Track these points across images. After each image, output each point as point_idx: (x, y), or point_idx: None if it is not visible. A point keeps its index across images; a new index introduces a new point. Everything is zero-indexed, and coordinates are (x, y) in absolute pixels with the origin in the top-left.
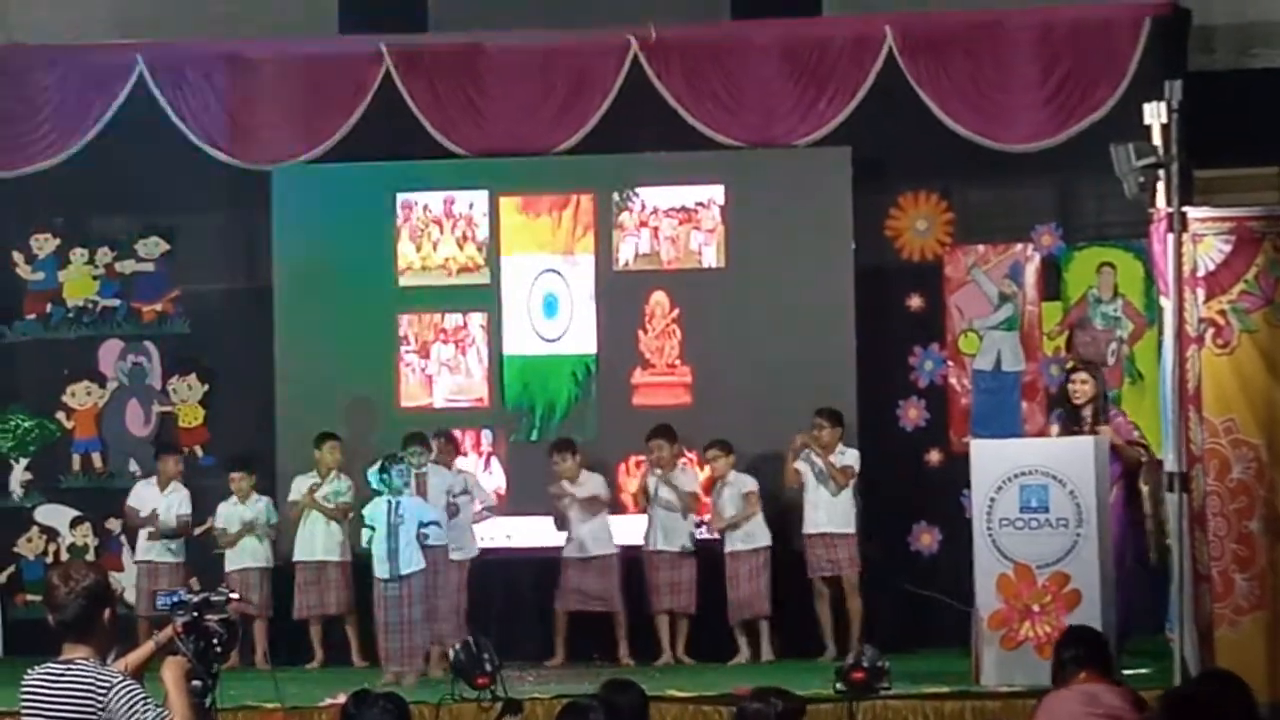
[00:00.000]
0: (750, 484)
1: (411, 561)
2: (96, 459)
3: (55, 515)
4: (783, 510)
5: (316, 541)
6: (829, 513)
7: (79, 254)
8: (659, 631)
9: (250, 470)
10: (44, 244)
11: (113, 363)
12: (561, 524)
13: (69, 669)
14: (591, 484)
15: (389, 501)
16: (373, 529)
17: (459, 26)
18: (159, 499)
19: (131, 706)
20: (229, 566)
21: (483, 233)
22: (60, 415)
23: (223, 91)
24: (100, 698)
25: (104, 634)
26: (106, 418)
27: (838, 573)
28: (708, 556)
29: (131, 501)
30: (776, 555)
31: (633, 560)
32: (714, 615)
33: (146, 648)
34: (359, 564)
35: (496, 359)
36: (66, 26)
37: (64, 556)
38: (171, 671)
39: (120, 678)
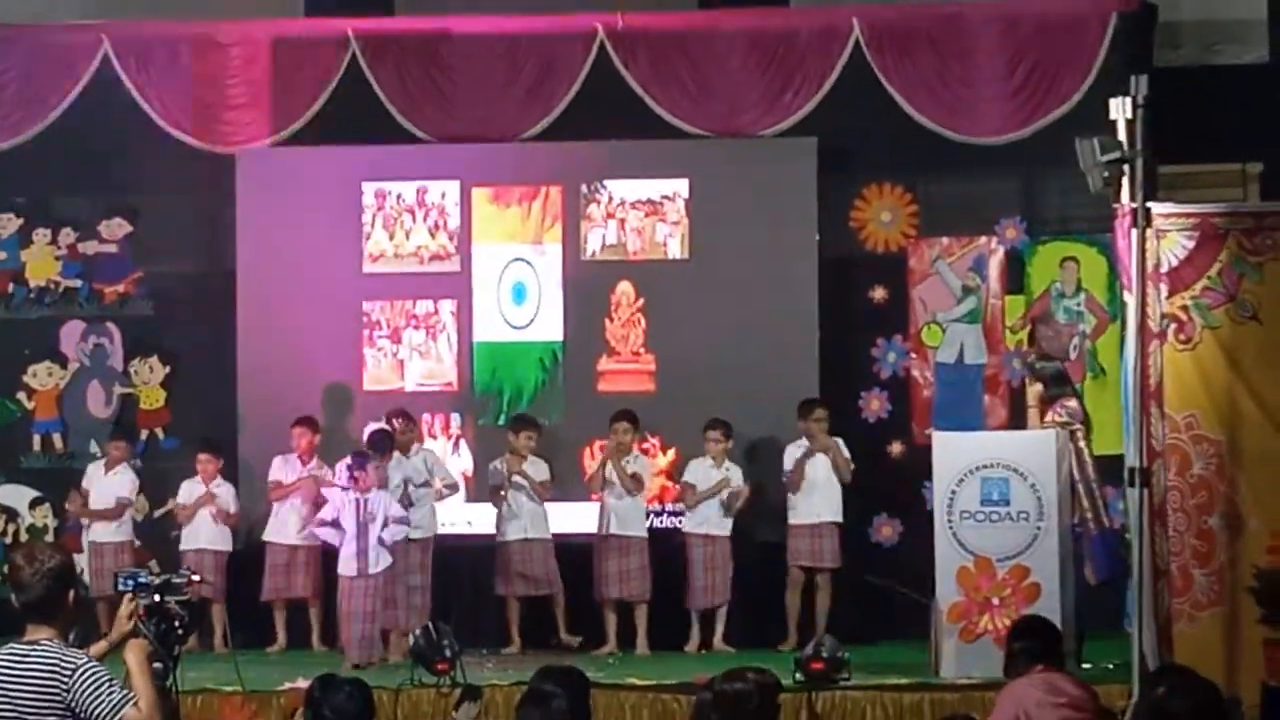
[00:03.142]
0: (738, 483)
1: (379, 561)
2: (57, 440)
3: (15, 496)
4: (749, 498)
5: (291, 525)
6: (826, 501)
7: (41, 234)
8: (606, 621)
9: (217, 454)
10: (6, 224)
11: (74, 344)
12: (498, 502)
13: (33, 650)
14: (543, 469)
15: (357, 499)
16: (333, 525)
17: (425, 11)
18: (104, 482)
19: (96, 688)
20: (184, 546)
21: (454, 222)
22: (21, 395)
23: (188, 73)
24: (65, 679)
25: (68, 615)
26: (67, 399)
27: (824, 564)
28: (662, 544)
29: (84, 483)
30: (741, 544)
31: (579, 547)
32: (664, 602)
33: (122, 629)
34: (328, 549)
35: (466, 345)
36: (32, 5)
37: (23, 537)
38: (135, 654)
39: (85, 659)
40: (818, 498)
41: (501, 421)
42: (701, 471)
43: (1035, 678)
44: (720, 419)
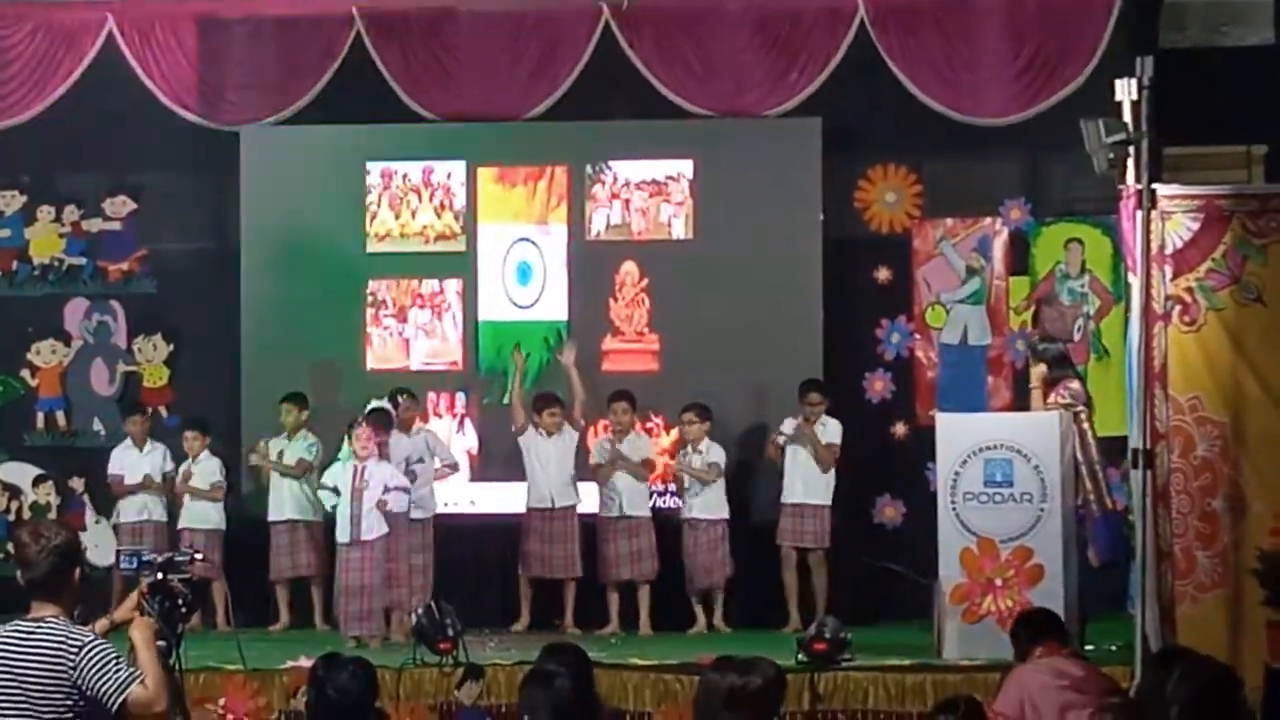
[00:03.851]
0: (719, 455)
1: (373, 527)
2: (60, 417)
3: (18, 473)
4: (750, 478)
5: (285, 502)
6: (806, 484)
7: (46, 211)
8: (609, 601)
9: (204, 431)
10: (10, 201)
11: (78, 321)
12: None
13: (39, 627)
14: (571, 435)
15: (355, 466)
16: (334, 491)
17: None
18: (142, 460)
19: (104, 665)
20: (179, 525)
21: (460, 202)
22: (24, 373)
23: (192, 51)
24: (71, 656)
25: (73, 592)
26: (71, 376)
27: (806, 544)
28: (665, 525)
29: (114, 469)
30: (743, 524)
31: (583, 528)
32: (668, 584)
33: (128, 605)
34: (330, 525)
35: (471, 324)
36: None
37: (26, 515)
38: (141, 631)
39: (91, 636)
40: (799, 480)
41: (506, 400)
42: (685, 457)
43: (1040, 662)
44: (696, 402)
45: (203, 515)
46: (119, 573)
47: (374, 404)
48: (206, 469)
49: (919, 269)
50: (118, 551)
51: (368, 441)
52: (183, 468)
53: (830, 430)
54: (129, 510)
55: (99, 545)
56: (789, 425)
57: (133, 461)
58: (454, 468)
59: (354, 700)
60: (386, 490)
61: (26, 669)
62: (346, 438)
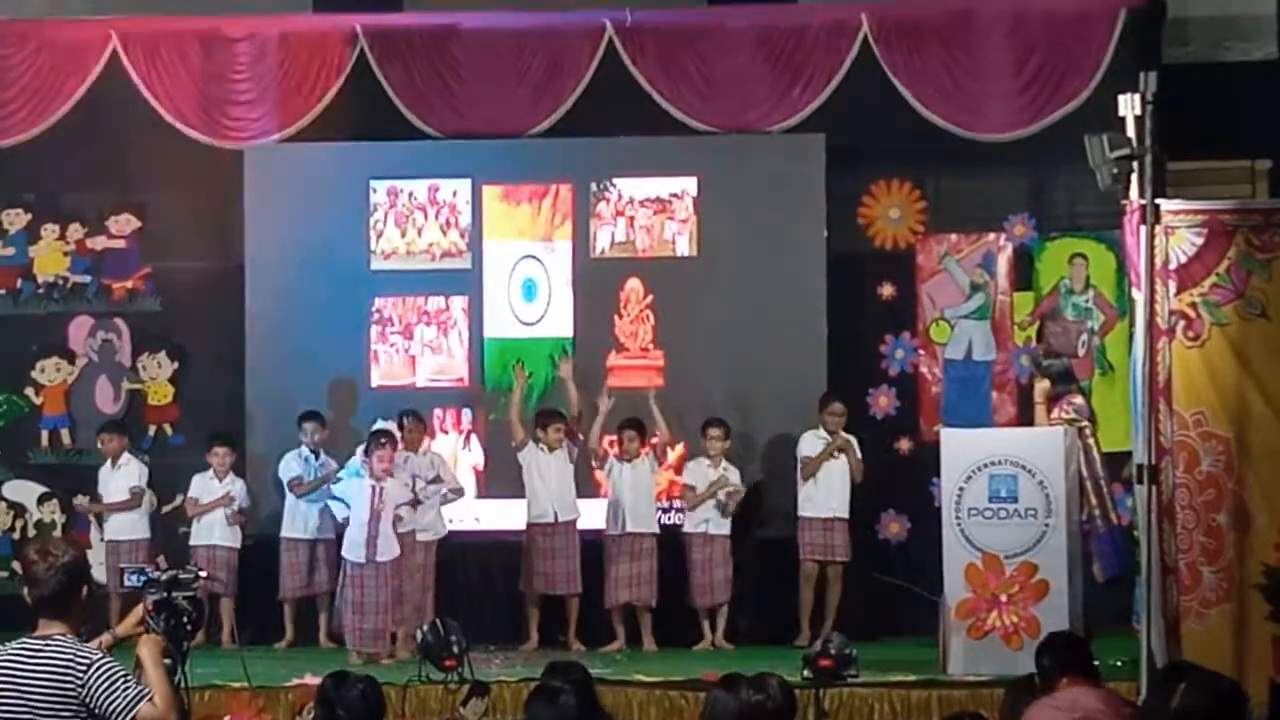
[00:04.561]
0: (735, 483)
1: (389, 549)
2: (65, 435)
3: (22, 491)
4: (754, 494)
5: (311, 519)
6: (837, 498)
7: (50, 230)
8: (614, 617)
9: (233, 446)
10: (15, 219)
11: (83, 339)
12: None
13: (47, 645)
14: (572, 450)
15: (372, 486)
16: (344, 503)
17: (433, 7)
18: (114, 477)
19: (112, 684)
20: (195, 541)
21: (465, 219)
22: (29, 391)
23: (196, 69)
24: (80, 675)
25: (80, 610)
26: (75, 394)
27: (836, 558)
28: (670, 541)
29: (99, 487)
30: (748, 539)
31: (589, 545)
32: (671, 599)
33: (132, 621)
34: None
35: (477, 341)
36: (41, 1)
37: (31, 533)
38: (149, 649)
39: (99, 655)
40: (832, 493)
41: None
42: (699, 471)
43: (1058, 695)
44: (719, 418)
45: (224, 533)
46: (119, 590)
47: (380, 425)
48: (235, 492)
49: (923, 285)
50: (121, 569)
51: (387, 463)
52: (211, 485)
53: (854, 443)
54: (110, 529)
55: (104, 563)
56: (813, 440)
57: (106, 479)
58: (459, 493)
59: (362, 719)
60: (399, 507)
61: (34, 687)
62: (364, 455)
